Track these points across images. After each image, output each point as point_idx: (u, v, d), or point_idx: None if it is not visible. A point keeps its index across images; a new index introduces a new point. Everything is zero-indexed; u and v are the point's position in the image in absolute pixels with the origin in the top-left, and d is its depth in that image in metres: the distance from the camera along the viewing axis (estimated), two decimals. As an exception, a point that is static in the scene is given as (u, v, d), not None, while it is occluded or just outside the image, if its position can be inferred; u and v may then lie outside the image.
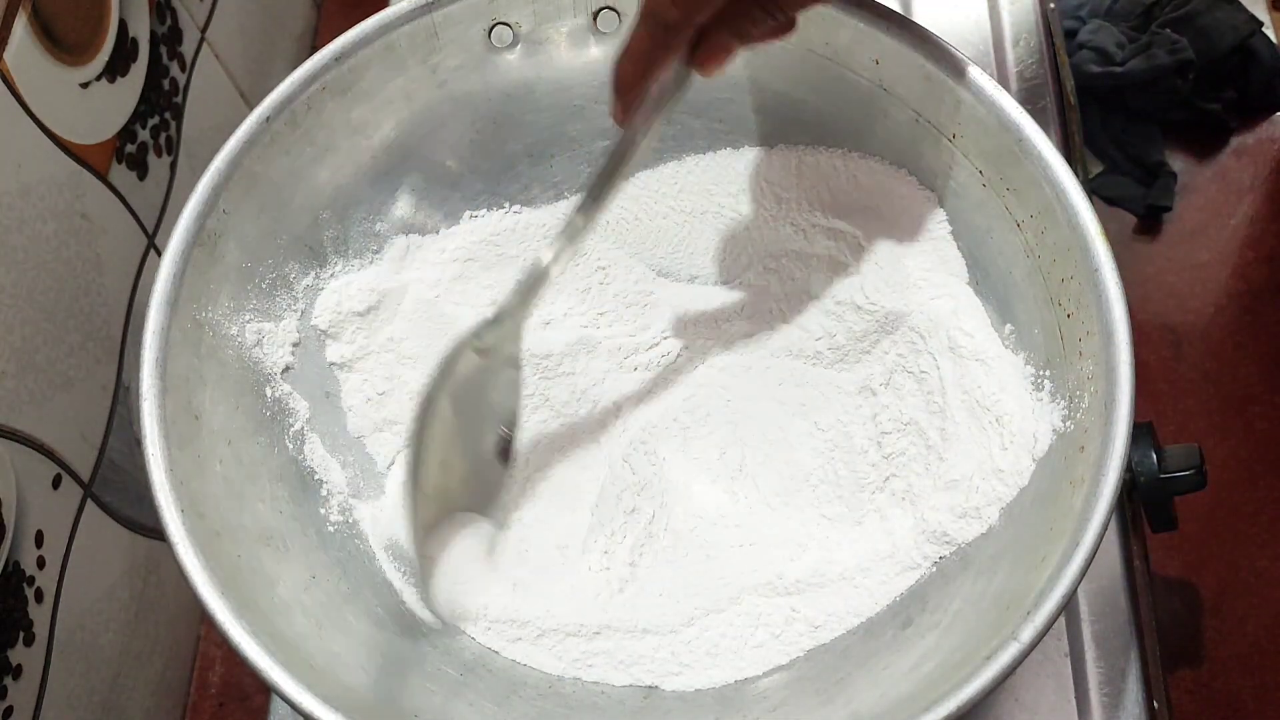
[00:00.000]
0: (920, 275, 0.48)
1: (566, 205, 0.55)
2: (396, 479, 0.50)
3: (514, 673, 0.46)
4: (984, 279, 0.47)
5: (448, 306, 0.53)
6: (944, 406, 0.46)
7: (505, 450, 0.47)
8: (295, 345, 0.49)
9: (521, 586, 0.48)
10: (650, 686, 0.46)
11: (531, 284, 0.44)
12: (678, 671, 0.46)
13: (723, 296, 0.54)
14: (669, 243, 0.55)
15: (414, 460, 0.44)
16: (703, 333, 0.54)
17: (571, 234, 0.43)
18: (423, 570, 0.46)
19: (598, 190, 0.42)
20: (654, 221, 0.55)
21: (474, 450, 0.47)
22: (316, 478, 0.48)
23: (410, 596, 0.47)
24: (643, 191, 0.54)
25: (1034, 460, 0.42)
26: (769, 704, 0.44)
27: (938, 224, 0.48)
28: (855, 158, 0.50)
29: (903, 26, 0.45)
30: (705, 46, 0.40)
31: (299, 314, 0.49)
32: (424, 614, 0.47)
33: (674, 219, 0.55)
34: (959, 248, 0.48)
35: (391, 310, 0.52)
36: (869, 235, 0.50)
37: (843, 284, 0.51)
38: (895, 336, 0.49)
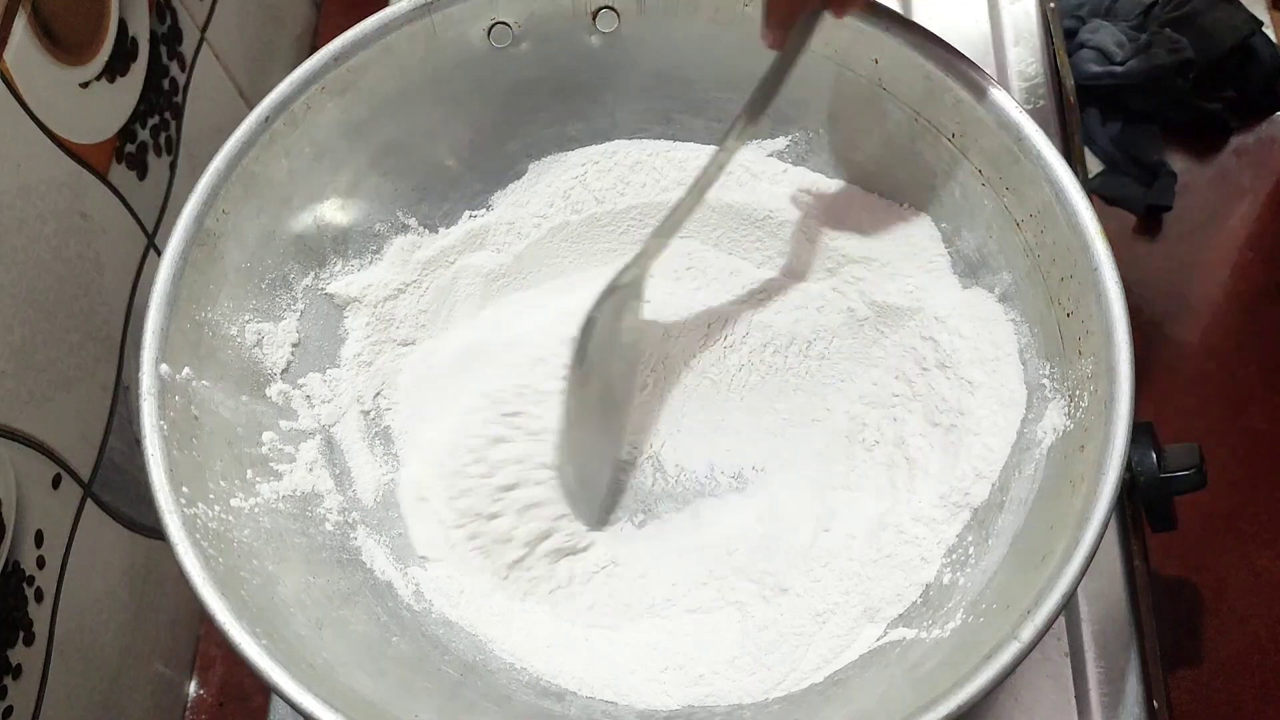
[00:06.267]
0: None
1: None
2: (388, 481, 0.50)
3: (514, 673, 0.46)
4: (983, 278, 0.47)
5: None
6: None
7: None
8: (295, 345, 0.49)
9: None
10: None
11: (692, 193, 0.46)
12: (666, 685, 0.46)
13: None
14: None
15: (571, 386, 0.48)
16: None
17: (732, 139, 0.45)
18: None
19: (757, 105, 0.44)
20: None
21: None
22: (316, 475, 0.48)
23: (408, 594, 0.47)
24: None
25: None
26: (769, 707, 0.44)
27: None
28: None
29: (903, 26, 0.45)
30: None
31: (299, 314, 0.49)
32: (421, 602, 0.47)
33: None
34: (954, 249, 0.49)
35: (411, 300, 0.52)
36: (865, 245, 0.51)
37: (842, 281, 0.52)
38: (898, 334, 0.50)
